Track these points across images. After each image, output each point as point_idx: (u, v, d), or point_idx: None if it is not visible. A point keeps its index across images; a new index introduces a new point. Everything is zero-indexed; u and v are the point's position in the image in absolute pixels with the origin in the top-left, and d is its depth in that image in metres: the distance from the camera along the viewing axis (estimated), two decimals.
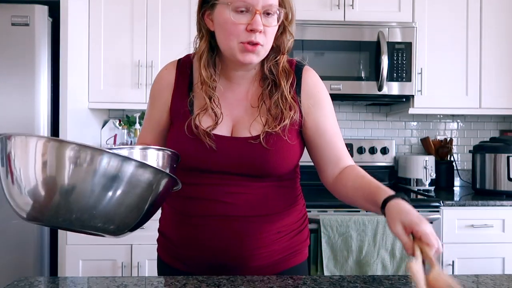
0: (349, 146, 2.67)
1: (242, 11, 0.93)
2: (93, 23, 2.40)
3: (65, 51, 2.17)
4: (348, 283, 0.87)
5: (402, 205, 0.82)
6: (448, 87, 2.49)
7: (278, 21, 0.97)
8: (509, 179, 2.36)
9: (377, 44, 2.37)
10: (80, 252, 2.11)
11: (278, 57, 1.01)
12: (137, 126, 2.67)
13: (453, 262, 2.15)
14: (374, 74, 2.38)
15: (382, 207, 0.85)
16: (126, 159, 0.74)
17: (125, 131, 2.68)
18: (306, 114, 1.02)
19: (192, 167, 0.99)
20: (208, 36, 1.00)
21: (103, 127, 2.70)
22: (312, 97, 1.03)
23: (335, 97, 2.47)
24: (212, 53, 1.02)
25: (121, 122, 2.70)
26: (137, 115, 2.69)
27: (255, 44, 0.93)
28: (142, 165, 0.76)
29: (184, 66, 1.06)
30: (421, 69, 2.46)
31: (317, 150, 1.04)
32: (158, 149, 0.94)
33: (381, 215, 0.86)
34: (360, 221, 2.02)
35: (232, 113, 1.02)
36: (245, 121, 1.00)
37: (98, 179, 0.71)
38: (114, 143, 2.66)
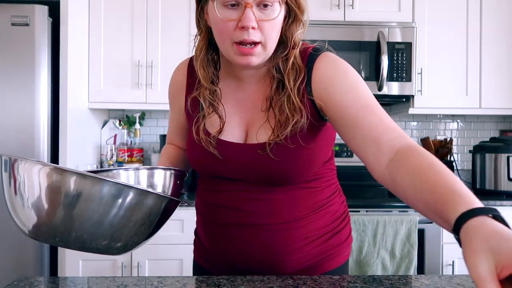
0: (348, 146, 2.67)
1: (232, 6, 0.80)
2: (93, 23, 2.40)
3: (65, 51, 2.17)
4: (348, 283, 0.87)
5: (492, 228, 0.49)
6: (448, 87, 2.49)
7: (278, 13, 0.82)
8: (509, 179, 2.35)
9: (377, 44, 2.37)
10: (80, 252, 2.10)
11: (287, 52, 0.87)
12: (137, 126, 2.67)
13: (453, 262, 2.15)
14: (374, 74, 2.38)
15: (456, 230, 0.53)
16: (127, 187, 0.74)
17: (125, 131, 2.68)
18: (324, 103, 0.87)
19: (208, 174, 0.95)
20: (206, 33, 0.89)
21: (103, 127, 2.70)
22: (323, 81, 0.87)
23: None
24: (212, 51, 0.92)
25: (121, 122, 2.70)
26: (137, 115, 2.69)
27: (251, 43, 0.81)
28: (143, 192, 0.76)
29: (194, 65, 0.96)
30: (421, 69, 2.46)
31: (347, 137, 0.84)
32: (165, 169, 0.93)
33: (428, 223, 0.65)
34: (360, 221, 2.02)
35: (246, 116, 0.92)
36: (257, 126, 0.90)
37: (100, 208, 0.71)
38: (114, 143, 2.66)
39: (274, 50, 0.87)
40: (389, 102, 2.63)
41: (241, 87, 0.93)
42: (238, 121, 0.92)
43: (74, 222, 0.71)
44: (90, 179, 0.70)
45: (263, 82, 0.92)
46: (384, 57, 2.31)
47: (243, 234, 0.93)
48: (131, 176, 0.94)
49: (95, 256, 2.10)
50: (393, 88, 2.39)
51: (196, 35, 0.93)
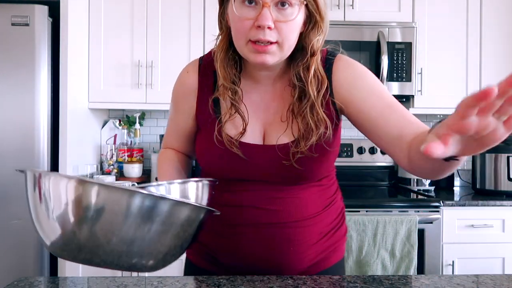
0: (349, 146, 2.67)
1: (250, 3, 0.80)
2: (93, 23, 2.40)
3: (65, 51, 2.17)
4: (348, 283, 0.87)
5: None
6: (448, 87, 2.49)
7: (296, 14, 0.81)
8: (509, 179, 2.35)
9: (377, 44, 2.37)
10: None
11: (306, 60, 0.87)
12: (137, 126, 2.67)
13: (453, 262, 2.15)
14: (374, 74, 2.37)
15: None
16: (162, 198, 0.69)
17: (125, 131, 2.68)
18: (346, 106, 0.90)
19: (226, 177, 0.93)
20: (227, 33, 0.88)
21: (103, 127, 2.70)
22: (345, 84, 0.90)
23: None
24: (232, 51, 0.90)
25: (121, 122, 2.70)
26: (137, 115, 2.69)
27: (267, 42, 0.80)
28: (179, 203, 0.72)
29: (206, 66, 0.95)
30: (421, 69, 2.46)
31: (373, 135, 0.89)
32: (197, 181, 0.89)
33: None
34: (360, 221, 2.02)
35: (262, 117, 0.93)
36: (276, 127, 0.91)
37: (134, 221, 0.66)
38: (114, 143, 2.66)
39: (295, 58, 0.88)
40: None
41: (256, 89, 0.93)
42: (255, 122, 0.92)
43: (110, 236, 0.66)
44: (122, 191, 0.65)
45: (280, 86, 0.93)
46: (384, 57, 2.31)
47: (259, 233, 0.93)
48: (162, 191, 0.88)
49: None
50: (393, 88, 2.39)
51: (218, 35, 0.92)
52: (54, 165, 2.17)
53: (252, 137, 0.92)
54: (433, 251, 2.13)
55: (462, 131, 0.50)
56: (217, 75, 0.90)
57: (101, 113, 2.67)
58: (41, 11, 2.07)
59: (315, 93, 0.87)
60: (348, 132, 2.84)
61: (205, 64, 0.95)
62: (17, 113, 2.06)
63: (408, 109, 2.47)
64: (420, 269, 2.11)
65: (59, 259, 2.13)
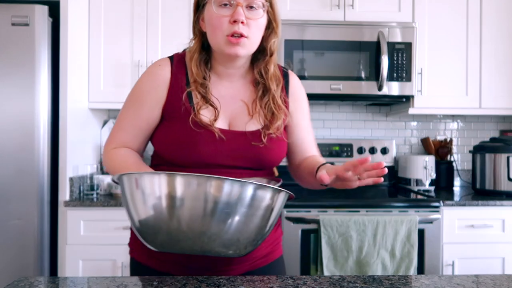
0: (349, 146, 2.67)
1: (225, 5, 0.99)
2: (93, 23, 2.40)
3: (65, 51, 2.17)
4: (348, 283, 0.87)
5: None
6: (448, 87, 2.49)
7: (261, 15, 1.01)
8: (509, 179, 2.36)
9: (377, 44, 2.37)
10: (80, 252, 2.11)
11: (266, 59, 1.07)
12: None
13: (453, 262, 2.15)
14: (374, 74, 2.38)
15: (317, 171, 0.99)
16: (246, 183, 0.76)
17: None
18: (291, 114, 1.12)
19: (196, 161, 1.00)
20: (200, 37, 1.06)
21: (103, 127, 2.70)
22: (297, 100, 1.14)
23: (335, 97, 2.49)
24: (204, 53, 1.07)
25: None
26: None
27: (240, 36, 0.98)
28: (260, 186, 0.79)
29: (178, 64, 1.07)
30: (421, 69, 2.46)
31: (291, 145, 1.14)
32: (268, 181, 1.03)
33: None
34: (360, 221, 2.02)
35: (228, 110, 1.05)
36: (242, 118, 1.05)
37: (226, 207, 0.74)
38: None
39: (257, 59, 1.08)
40: (389, 102, 2.63)
41: (222, 85, 1.08)
42: (222, 114, 1.05)
43: (212, 224, 0.74)
44: (237, 183, 0.75)
45: (244, 84, 1.10)
46: (384, 57, 2.31)
47: None
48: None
49: (95, 256, 2.11)
50: (393, 88, 2.39)
51: (191, 39, 1.09)
52: (54, 165, 2.17)
53: (219, 124, 1.03)
54: (433, 251, 2.13)
55: (342, 176, 0.90)
56: (189, 72, 1.05)
57: (101, 113, 2.68)
58: (41, 11, 2.07)
59: (275, 87, 1.07)
60: (348, 132, 2.84)
61: (176, 62, 1.07)
62: (17, 113, 2.06)
63: (408, 109, 2.48)
64: (420, 269, 2.11)
65: (59, 259, 2.14)
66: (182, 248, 0.79)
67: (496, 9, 2.50)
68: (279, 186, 0.94)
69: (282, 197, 0.84)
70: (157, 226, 0.76)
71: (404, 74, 2.39)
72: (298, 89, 1.15)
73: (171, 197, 0.73)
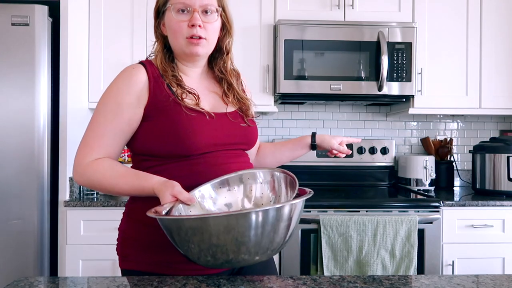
0: (349, 146, 2.67)
1: (183, 11, 1.09)
2: (93, 23, 2.40)
3: (65, 51, 2.17)
4: (348, 283, 0.87)
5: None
6: (448, 87, 2.49)
7: (216, 19, 1.12)
8: (509, 179, 2.36)
9: (377, 44, 2.37)
10: (80, 252, 2.11)
11: (224, 57, 1.20)
12: None
13: (453, 262, 2.15)
14: (374, 74, 2.38)
15: (313, 142, 1.35)
16: (268, 210, 0.83)
17: None
18: None
19: (192, 146, 1.05)
20: (162, 40, 1.17)
21: None
22: (249, 92, 1.28)
23: (335, 97, 2.49)
24: (168, 53, 1.16)
25: None
26: None
27: (199, 38, 1.09)
28: (279, 208, 0.86)
29: (150, 64, 1.14)
30: (421, 69, 2.46)
31: None
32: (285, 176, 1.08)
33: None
34: (360, 221, 2.02)
35: (204, 99, 1.14)
36: (219, 105, 1.16)
37: (255, 233, 0.83)
38: None
39: (215, 57, 1.20)
40: (389, 102, 2.63)
41: (192, 83, 1.16)
42: (202, 100, 1.13)
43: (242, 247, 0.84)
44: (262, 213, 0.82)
45: (209, 81, 1.21)
46: (384, 57, 2.31)
47: None
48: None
49: (95, 256, 2.11)
50: (393, 88, 2.39)
51: (154, 42, 1.19)
52: (54, 165, 2.17)
53: (207, 109, 1.12)
54: (433, 251, 2.13)
55: (331, 151, 1.44)
56: (161, 69, 1.13)
57: None
58: (41, 11, 2.07)
59: (236, 81, 1.21)
60: (348, 132, 2.85)
61: (147, 63, 1.14)
62: (17, 113, 2.06)
63: (408, 109, 2.48)
64: (420, 269, 2.11)
65: (59, 259, 2.14)
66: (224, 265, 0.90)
67: (496, 9, 2.50)
68: (293, 181, 1.01)
69: (300, 204, 0.90)
70: (207, 256, 0.85)
71: (404, 74, 2.39)
72: (247, 83, 1.29)
73: (217, 236, 0.82)
